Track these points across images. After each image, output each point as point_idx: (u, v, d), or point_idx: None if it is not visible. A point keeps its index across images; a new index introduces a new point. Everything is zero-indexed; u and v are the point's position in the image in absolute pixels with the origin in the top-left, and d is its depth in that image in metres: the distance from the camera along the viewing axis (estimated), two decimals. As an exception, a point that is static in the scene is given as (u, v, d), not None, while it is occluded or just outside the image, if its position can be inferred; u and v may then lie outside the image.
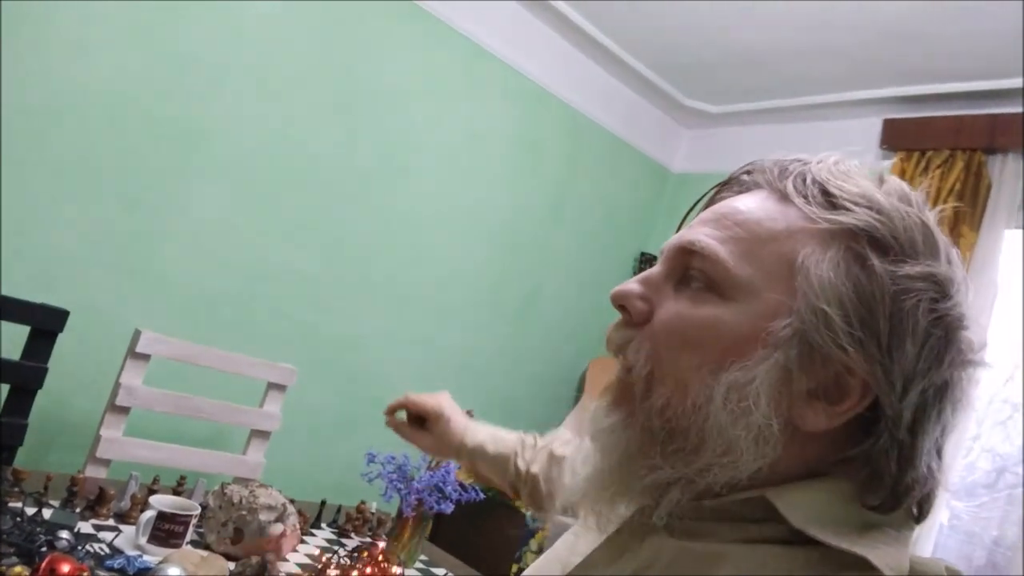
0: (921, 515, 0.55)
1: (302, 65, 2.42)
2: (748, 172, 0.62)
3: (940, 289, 0.52)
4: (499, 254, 3.05)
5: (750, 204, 0.57)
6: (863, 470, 0.52)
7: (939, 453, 0.54)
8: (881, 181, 0.57)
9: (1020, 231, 2.52)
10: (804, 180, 0.56)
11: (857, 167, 0.58)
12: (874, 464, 0.52)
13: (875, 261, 0.51)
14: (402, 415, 1.21)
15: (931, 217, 0.55)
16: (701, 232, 0.57)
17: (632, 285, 0.59)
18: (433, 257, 2.84)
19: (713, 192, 0.64)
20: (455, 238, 2.90)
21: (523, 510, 2.34)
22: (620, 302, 0.58)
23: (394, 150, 2.67)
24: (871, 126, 2.82)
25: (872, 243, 0.52)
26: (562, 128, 3.17)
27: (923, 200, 0.56)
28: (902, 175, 2.65)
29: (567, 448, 1.08)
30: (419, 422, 1.19)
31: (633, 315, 0.58)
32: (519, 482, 1.09)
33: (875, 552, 0.49)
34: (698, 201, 0.65)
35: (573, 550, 0.66)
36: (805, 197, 0.55)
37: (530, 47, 2.98)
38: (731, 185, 0.63)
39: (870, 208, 0.53)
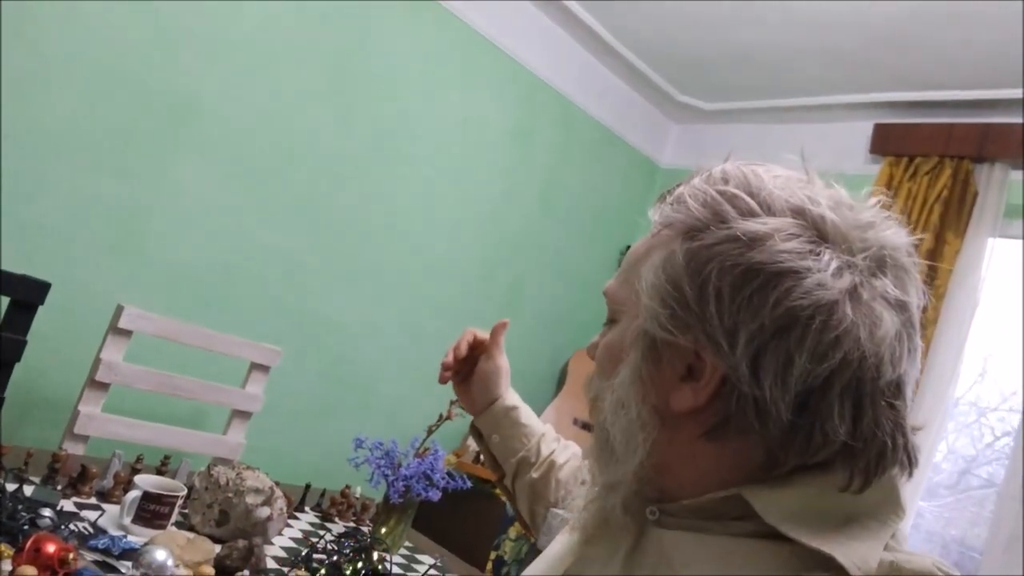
0: (877, 470, 0.53)
1: (297, 44, 2.37)
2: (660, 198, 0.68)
3: (745, 244, 0.53)
4: (487, 243, 3.03)
5: (639, 240, 0.64)
6: (730, 431, 0.54)
7: (857, 403, 0.52)
8: (711, 172, 0.60)
9: (1014, 240, 2.56)
10: (660, 205, 0.62)
11: (716, 167, 0.61)
12: (735, 423, 0.53)
13: (679, 246, 0.56)
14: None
15: (760, 182, 0.57)
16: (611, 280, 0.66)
17: (594, 339, 0.68)
18: (421, 243, 2.82)
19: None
20: (444, 225, 2.88)
21: (502, 497, 2.33)
22: (589, 355, 0.70)
23: (386, 134, 2.64)
24: (861, 130, 2.84)
25: (683, 233, 0.57)
26: (554, 118, 3.15)
27: (753, 170, 0.58)
28: (890, 180, 2.67)
29: None
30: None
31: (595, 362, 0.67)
32: (529, 465, 1.06)
33: (844, 549, 0.50)
34: None
35: (568, 549, 0.67)
36: (657, 220, 0.62)
37: (526, 35, 2.96)
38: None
39: (679, 204, 0.58)
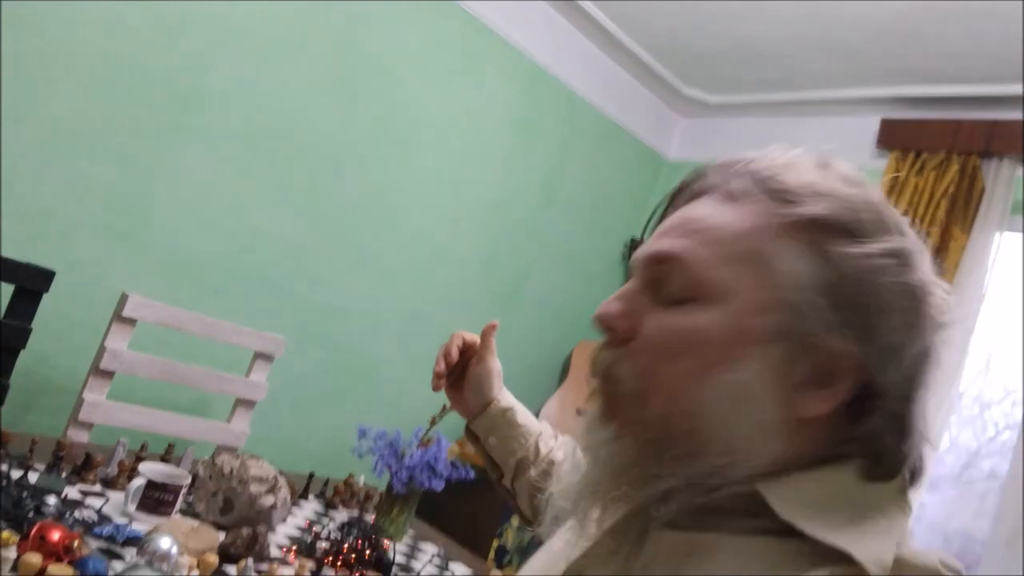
0: (914, 478, 0.57)
1: (300, 32, 2.36)
2: (695, 179, 0.63)
3: (902, 261, 0.53)
4: (490, 233, 3.03)
5: (705, 210, 0.59)
6: (865, 448, 0.54)
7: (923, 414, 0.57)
8: (824, 167, 0.58)
9: (1019, 234, 2.55)
10: (749, 179, 0.58)
11: (801, 157, 0.60)
12: (876, 440, 0.54)
13: (834, 247, 0.53)
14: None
15: (878, 195, 0.57)
16: (667, 241, 0.58)
17: (612, 305, 0.59)
18: (424, 232, 2.81)
19: (667, 202, 0.66)
20: (447, 214, 2.87)
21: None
22: (604, 324, 0.59)
23: (389, 123, 2.63)
24: (868, 125, 2.83)
25: (827, 229, 0.54)
26: (558, 109, 3.14)
27: (865, 179, 0.58)
28: (896, 175, 2.66)
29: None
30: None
31: (619, 334, 0.58)
32: (527, 464, 1.06)
33: (860, 545, 0.49)
34: (656, 210, 0.67)
35: (571, 546, 0.65)
36: (757, 194, 0.57)
37: (531, 26, 2.94)
38: (682, 194, 0.64)
39: (817, 196, 0.55)
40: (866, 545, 0.49)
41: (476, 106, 2.86)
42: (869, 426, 0.54)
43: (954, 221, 2.51)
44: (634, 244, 3.47)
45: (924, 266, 0.55)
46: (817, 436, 0.55)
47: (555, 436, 1.10)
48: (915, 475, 0.57)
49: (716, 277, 0.55)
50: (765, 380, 0.53)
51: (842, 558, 0.49)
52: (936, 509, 2.64)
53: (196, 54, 2.17)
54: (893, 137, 2.74)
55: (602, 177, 3.39)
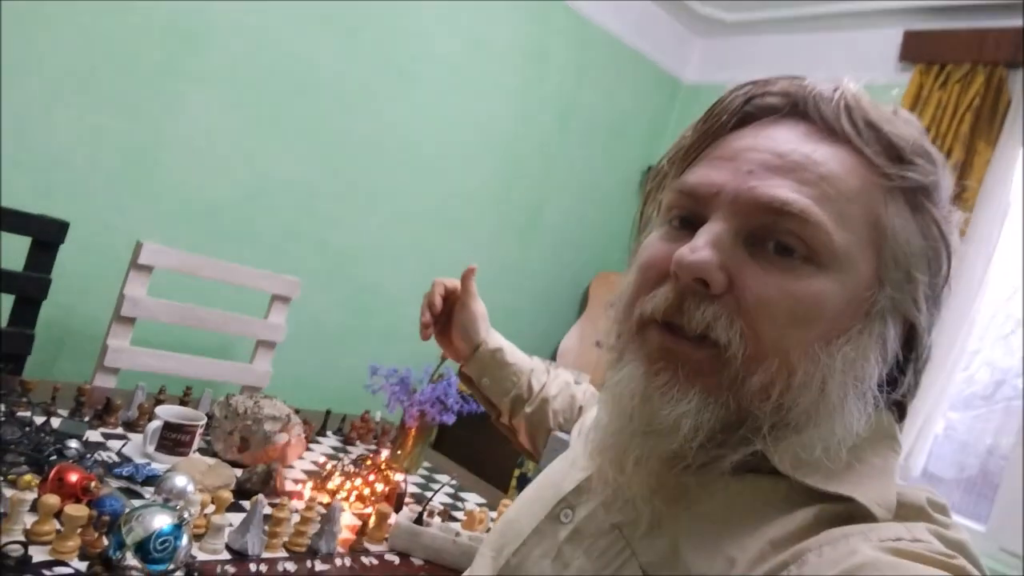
0: (901, 413, 0.58)
1: (300, -34, 2.32)
2: (776, 93, 0.56)
3: (954, 226, 0.55)
4: (504, 166, 3.00)
5: (821, 152, 0.52)
6: (892, 390, 0.55)
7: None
8: (911, 119, 0.56)
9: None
10: (853, 118, 0.53)
11: (887, 104, 0.57)
12: (907, 382, 0.56)
13: (931, 215, 0.53)
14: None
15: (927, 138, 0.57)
16: (787, 187, 0.51)
17: (707, 254, 0.51)
18: (437, 169, 2.80)
19: (734, 114, 0.57)
20: (459, 149, 2.85)
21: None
22: (699, 275, 0.51)
23: (396, 57, 2.60)
24: (891, 37, 2.72)
25: (929, 197, 0.53)
26: (569, 36, 3.06)
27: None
28: (919, 89, 2.57)
29: (590, 401, 1.07)
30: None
31: (714, 288, 0.51)
32: (522, 401, 1.09)
33: (860, 489, 0.49)
34: (713, 121, 0.58)
35: (568, 477, 0.66)
36: (866, 143, 0.53)
37: (538, -52, 2.85)
38: (760, 107, 0.56)
39: (928, 161, 0.54)
40: (867, 488, 0.50)
41: (485, 36, 2.80)
42: (904, 387, 0.56)
43: (978, 135, 2.43)
44: (651, 171, 3.41)
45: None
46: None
47: (547, 371, 1.12)
48: (902, 410, 0.58)
49: (840, 243, 0.50)
50: (873, 352, 0.52)
51: (844, 505, 0.49)
52: (966, 427, 2.64)
53: (195, -4, 2.15)
54: (916, 49, 2.63)
55: (617, 104, 3.32)
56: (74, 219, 1.71)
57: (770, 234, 0.51)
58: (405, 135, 2.68)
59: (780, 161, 0.52)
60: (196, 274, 1.91)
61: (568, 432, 1.06)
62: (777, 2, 3.05)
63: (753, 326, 0.50)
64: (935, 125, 2.45)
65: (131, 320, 1.81)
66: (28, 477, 0.95)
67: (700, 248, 0.51)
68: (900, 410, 0.58)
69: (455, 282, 1.11)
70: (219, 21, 2.20)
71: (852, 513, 0.48)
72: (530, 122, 3.03)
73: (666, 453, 0.52)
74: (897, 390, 0.55)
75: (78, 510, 0.87)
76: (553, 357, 3.22)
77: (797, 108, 0.55)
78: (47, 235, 1.66)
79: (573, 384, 1.12)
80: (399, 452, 1.55)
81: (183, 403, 1.47)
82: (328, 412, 1.74)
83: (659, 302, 0.53)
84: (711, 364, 0.51)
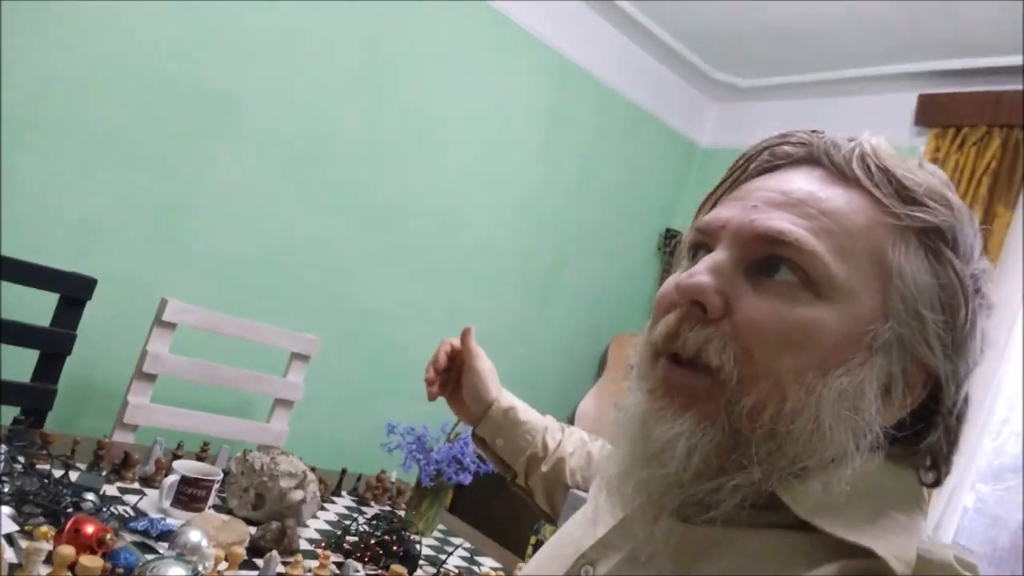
0: (940, 479, 0.57)
1: (331, 32, 2.42)
2: (793, 143, 0.58)
3: (983, 280, 0.54)
4: (525, 227, 3.04)
5: (828, 191, 0.54)
6: (919, 458, 0.55)
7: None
8: (921, 164, 0.56)
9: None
10: (866, 164, 0.54)
11: (906, 158, 0.57)
12: (932, 451, 0.55)
13: (952, 258, 0.52)
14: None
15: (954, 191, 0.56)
16: (786, 220, 0.53)
17: (704, 278, 0.53)
18: (459, 228, 2.84)
19: (751, 161, 0.60)
20: (481, 210, 2.90)
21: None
22: (695, 298, 0.53)
23: (421, 120, 2.67)
24: (905, 101, 2.76)
25: (944, 240, 0.52)
26: (589, 100, 3.13)
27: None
28: (936, 152, 2.59)
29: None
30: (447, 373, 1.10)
31: (711, 312, 0.52)
32: (538, 460, 1.06)
33: (882, 543, 0.48)
34: (736, 170, 0.61)
35: (585, 533, 0.65)
36: (876, 185, 0.54)
37: (557, 17, 2.95)
38: (777, 155, 0.59)
39: (943, 205, 0.53)
40: (889, 542, 0.48)
41: (506, 101, 2.88)
42: (931, 441, 0.55)
43: (997, 198, 2.43)
44: (669, 234, 3.44)
45: (989, 286, 0.55)
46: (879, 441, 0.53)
47: (562, 428, 1.10)
48: (940, 478, 0.57)
49: (839, 274, 0.51)
50: (871, 386, 0.51)
51: (863, 556, 0.48)
52: (997, 500, 2.56)
53: (228, 63, 2.24)
54: (932, 113, 2.66)
55: (636, 167, 3.37)
56: (102, 274, 1.75)
57: (769, 263, 0.53)
58: (428, 195, 2.73)
59: (784, 198, 0.54)
60: (217, 331, 1.94)
61: (587, 490, 1.04)
62: (790, 69, 3.11)
63: (746, 349, 0.51)
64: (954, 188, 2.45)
65: (152, 377, 1.83)
66: (45, 528, 0.95)
67: (698, 273, 0.53)
68: (935, 471, 0.57)
69: (466, 345, 1.09)
70: (250, 85, 2.29)
71: (875, 572, 0.47)
72: (551, 183, 3.08)
73: (665, 479, 0.53)
74: (925, 441, 0.54)
75: (93, 561, 0.87)
76: (571, 420, 3.19)
77: (812, 155, 0.57)
78: (76, 292, 1.70)
79: (589, 441, 1.10)
80: (414, 513, 1.54)
81: (200, 459, 1.47)
82: (344, 471, 1.73)
83: (662, 328, 0.55)
84: (707, 391, 0.52)
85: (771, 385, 0.50)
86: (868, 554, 0.48)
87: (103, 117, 2.06)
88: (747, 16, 2.78)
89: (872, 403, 0.50)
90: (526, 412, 1.08)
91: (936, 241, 0.53)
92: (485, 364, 1.07)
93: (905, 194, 0.53)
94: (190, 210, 2.25)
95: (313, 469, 1.44)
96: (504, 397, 1.08)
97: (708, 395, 0.52)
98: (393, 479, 1.76)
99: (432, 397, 1.07)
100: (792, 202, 0.54)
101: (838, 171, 0.55)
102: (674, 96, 3.43)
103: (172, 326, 1.85)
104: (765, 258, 0.53)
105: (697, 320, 0.53)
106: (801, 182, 0.55)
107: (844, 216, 0.53)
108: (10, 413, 1.59)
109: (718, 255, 0.54)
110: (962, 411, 0.55)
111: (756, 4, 2.67)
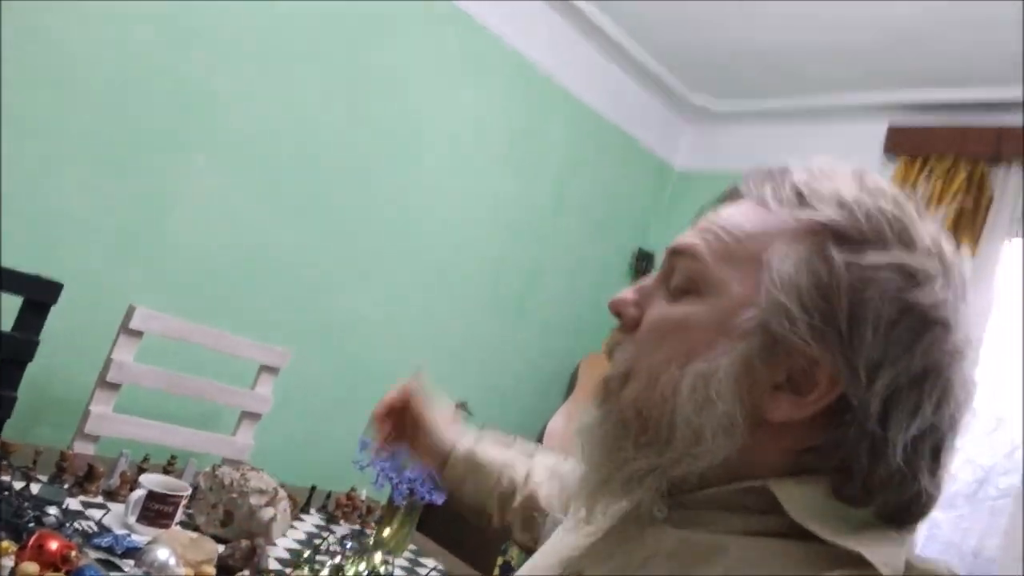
0: (908, 519, 0.54)
1: (306, 43, 2.39)
2: (738, 184, 0.64)
3: (909, 279, 0.52)
4: (498, 244, 3.03)
5: (732, 211, 0.59)
6: (833, 460, 0.53)
7: (935, 455, 0.54)
8: (859, 177, 0.57)
9: (1020, 239, 2.52)
10: (783, 185, 0.58)
11: (844, 168, 0.59)
12: (844, 454, 0.52)
13: (835, 253, 0.52)
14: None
15: (912, 211, 0.56)
16: (688, 236, 0.60)
17: (627, 293, 0.62)
18: (432, 244, 2.82)
19: (715, 206, 0.66)
20: (454, 225, 2.88)
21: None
22: (615, 309, 0.62)
23: (396, 133, 2.65)
24: (876, 131, 2.82)
25: (835, 236, 0.53)
26: (565, 119, 3.15)
27: (907, 196, 0.57)
28: (904, 182, 2.65)
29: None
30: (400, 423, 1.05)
31: (625, 321, 0.61)
32: (509, 497, 1.03)
33: (872, 549, 0.49)
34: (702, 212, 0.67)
35: (569, 545, 0.65)
36: (780, 201, 0.57)
37: (536, 34, 2.96)
38: (724, 200, 0.64)
39: (836, 203, 0.54)
40: (878, 549, 0.49)
41: (482, 115, 2.88)
42: (834, 438, 0.52)
43: (962, 231, 2.49)
44: (641, 254, 3.46)
45: (938, 290, 0.52)
46: (786, 444, 0.54)
47: (529, 456, 1.07)
48: (909, 517, 0.54)
49: (715, 272, 0.56)
50: (736, 375, 0.53)
51: (853, 562, 0.49)
52: (951, 527, 2.60)
53: (203, 67, 2.20)
54: (900, 143, 2.73)
55: (609, 186, 3.39)
56: (67, 280, 1.70)
57: (672, 272, 0.60)
58: (401, 210, 2.71)
59: (703, 223, 0.61)
60: (186, 341, 1.89)
61: (565, 513, 1.02)
62: (765, 94, 3.16)
63: (637, 347, 0.59)
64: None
65: (116, 386, 1.78)
66: (6, 543, 0.91)
67: (625, 290, 0.62)
68: (852, 485, 0.53)
69: (399, 390, 1.03)
70: (223, 91, 2.25)
71: None
72: (525, 201, 3.09)
73: (597, 469, 0.59)
74: (837, 451, 0.52)
75: (57, 581, 0.83)
76: (539, 438, 3.17)
77: (745, 191, 0.62)
78: (40, 295, 1.64)
79: (558, 465, 1.07)
80: (385, 532, 1.51)
81: (166, 473, 1.43)
82: (313, 488, 1.69)
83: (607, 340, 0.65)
84: (606, 382, 0.61)
85: (647, 377, 0.57)
86: (859, 562, 0.48)
87: (72, 118, 2.01)
88: (726, 41, 2.83)
89: (734, 389, 0.53)
90: (487, 451, 1.03)
91: (823, 238, 0.53)
92: (434, 412, 1.02)
93: (799, 201, 0.56)
94: (158, 216, 2.20)
95: (282, 485, 1.41)
96: (462, 441, 1.03)
97: (606, 390, 0.60)
98: (364, 497, 1.73)
99: (379, 457, 1.03)
100: (705, 224, 0.60)
101: (758, 197, 0.60)
102: (650, 117, 3.46)
103: (139, 334, 1.81)
104: (671, 269, 0.60)
105: (620, 330, 0.62)
106: (728, 209, 0.61)
107: (736, 225, 0.58)
108: (-34, 421, 1.53)
109: (651, 275, 0.63)
110: (888, 416, 0.51)
111: (735, 29, 2.72)
